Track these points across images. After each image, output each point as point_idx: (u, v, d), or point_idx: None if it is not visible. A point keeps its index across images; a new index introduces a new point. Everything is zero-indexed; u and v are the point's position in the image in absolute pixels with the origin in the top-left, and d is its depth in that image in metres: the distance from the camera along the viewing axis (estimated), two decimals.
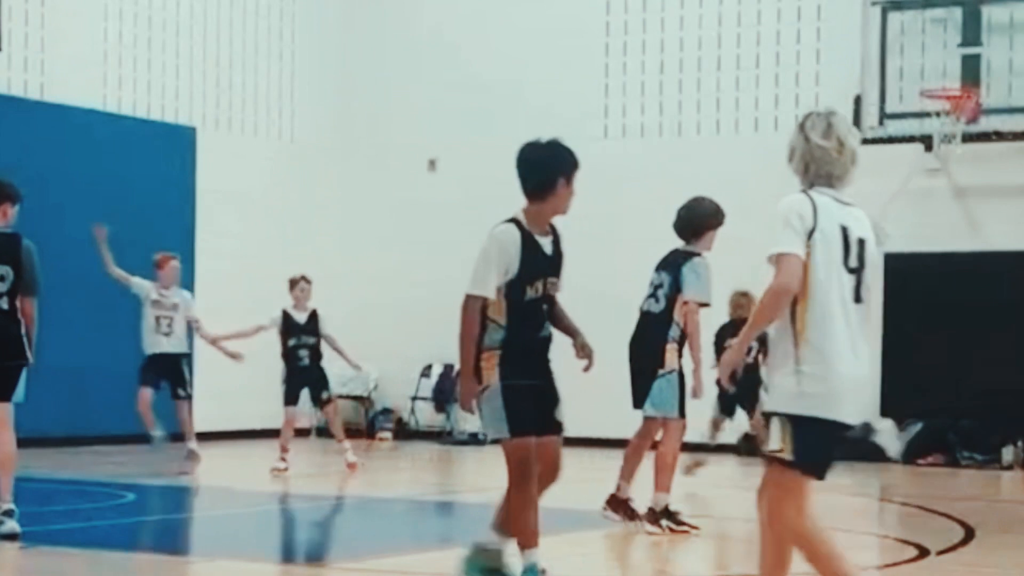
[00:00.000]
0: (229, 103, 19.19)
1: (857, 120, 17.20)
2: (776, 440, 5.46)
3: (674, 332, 9.91)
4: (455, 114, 19.76)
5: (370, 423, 20.01)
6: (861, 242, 5.46)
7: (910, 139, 17.05)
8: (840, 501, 12.76)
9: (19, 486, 11.93)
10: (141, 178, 17.51)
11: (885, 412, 17.00)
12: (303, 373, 14.30)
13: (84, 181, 16.88)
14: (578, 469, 10.68)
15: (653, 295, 10.14)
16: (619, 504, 9.88)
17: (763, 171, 18.13)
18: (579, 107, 19.15)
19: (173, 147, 18.20)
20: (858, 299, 5.43)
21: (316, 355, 14.43)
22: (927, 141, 16.86)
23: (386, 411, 20.11)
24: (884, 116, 17.16)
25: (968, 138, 16.57)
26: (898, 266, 17.23)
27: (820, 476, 5.56)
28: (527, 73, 19.37)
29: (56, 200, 16.54)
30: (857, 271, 5.42)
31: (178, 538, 7.47)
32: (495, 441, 7.03)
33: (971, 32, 16.96)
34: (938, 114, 16.75)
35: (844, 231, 5.43)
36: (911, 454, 16.62)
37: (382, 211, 20.23)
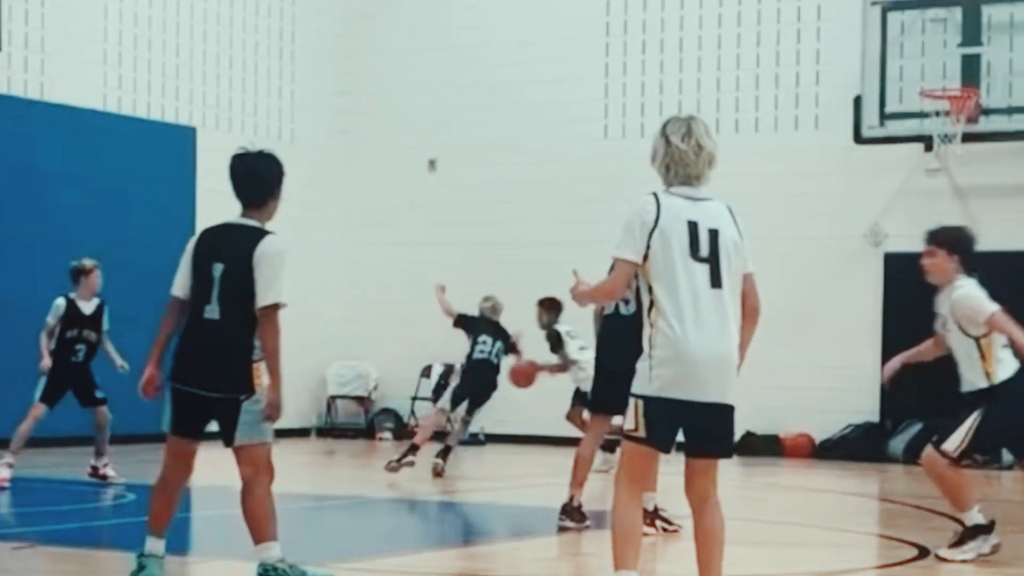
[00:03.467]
0: (229, 103, 19.19)
1: (857, 120, 17.23)
2: (630, 420, 5.90)
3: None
4: (455, 114, 19.76)
5: (370, 423, 20.01)
6: (713, 233, 5.95)
7: (910, 139, 17.06)
8: (840, 501, 12.77)
9: (20, 486, 11.95)
10: (141, 178, 17.51)
11: (885, 412, 17.01)
12: (75, 370, 12.45)
13: (84, 181, 16.88)
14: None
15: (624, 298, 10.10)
16: (646, 512, 9.89)
17: (763, 171, 18.18)
18: (579, 107, 19.16)
19: (173, 147, 18.20)
20: (715, 285, 5.88)
21: (92, 353, 12.59)
22: (927, 141, 16.87)
23: (386, 411, 20.10)
24: (884, 116, 17.16)
25: (968, 138, 16.58)
26: (898, 266, 17.24)
27: (666, 450, 6.00)
28: (527, 73, 19.37)
29: (56, 200, 16.55)
30: (709, 260, 5.90)
31: (178, 538, 7.46)
32: None
33: (971, 32, 16.96)
34: (938, 114, 16.75)
35: (692, 225, 5.92)
36: (911, 454, 16.61)
37: (382, 211, 20.23)
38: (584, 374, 15.00)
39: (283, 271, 7.09)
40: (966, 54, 16.94)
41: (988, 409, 8.68)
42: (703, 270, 5.87)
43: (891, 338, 17.15)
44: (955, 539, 8.68)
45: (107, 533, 8.68)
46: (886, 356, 17.30)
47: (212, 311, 6.95)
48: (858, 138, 17.22)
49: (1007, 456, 16.43)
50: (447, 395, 14.77)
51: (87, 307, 12.41)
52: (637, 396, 5.87)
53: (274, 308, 7.04)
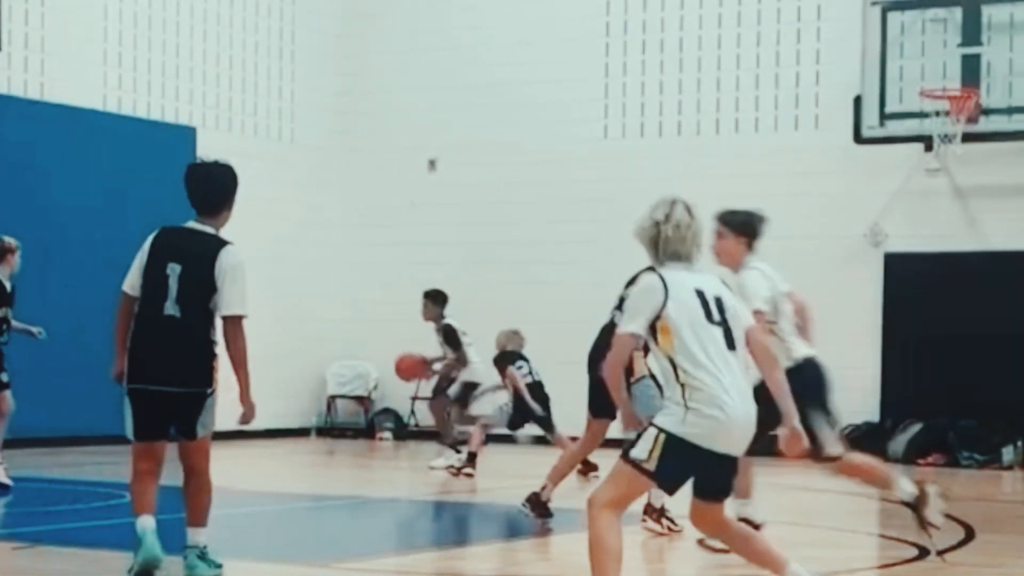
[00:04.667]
0: (229, 103, 19.19)
1: (857, 120, 17.22)
2: (644, 450, 6.04)
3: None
4: (455, 114, 19.76)
5: (370, 423, 20.01)
6: (718, 299, 6.21)
7: (910, 139, 17.05)
8: (840, 501, 12.76)
9: (19, 486, 11.95)
10: (141, 178, 17.50)
11: (885, 412, 17.01)
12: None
13: (84, 181, 16.88)
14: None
15: (619, 307, 10.11)
16: (653, 510, 9.90)
17: (763, 171, 18.17)
18: (579, 107, 19.16)
19: (173, 147, 18.18)
20: (730, 346, 6.18)
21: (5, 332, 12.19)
22: (927, 141, 16.86)
23: (386, 411, 20.10)
24: (884, 116, 17.15)
25: (968, 138, 16.57)
26: (898, 266, 17.25)
27: (671, 492, 6.31)
28: (527, 73, 19.36)
29: (56, 200, 16.56)
30: (722, 323, 6.17)
31: (178, 538, 7.47)
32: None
33: (971, 32, 16.95)
34: (938, 114, 16.75)
35: (700, 293, 6.18)
36: (911, 454, 16.62)
37: (382, 211, 20.23)
38: (473, 371, 15.10)
39: (247, 282, 7.36)
40: (966, 54, 16.93)
41: (800, 390, 8.35)
42: (720, 333, 6.15)
43: (891, 338, 17.17)
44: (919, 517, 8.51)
45: (107, 533, 8.68)
46: (886, 356, 17.37)
47: (171, 309, 7.22)
48: (858, 138, 17.22)
49: (1007, 455, 16.45)
50: (493, 408, 14.49)
51: (7, 286, 12.25)
52: (661, 430, 6.03)
53: (240, 318, 7.30)
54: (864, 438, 17.04)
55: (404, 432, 19.73)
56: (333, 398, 20.19)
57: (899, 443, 16.76)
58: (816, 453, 8.21)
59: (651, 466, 6.01)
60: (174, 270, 7.27)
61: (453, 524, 11.57)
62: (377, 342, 19.60)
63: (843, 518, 11.41)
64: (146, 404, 7.24)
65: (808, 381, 8.27)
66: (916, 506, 8.55)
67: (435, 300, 15.23)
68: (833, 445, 8.37)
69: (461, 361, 14.97)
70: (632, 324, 6.16)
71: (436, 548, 9.56)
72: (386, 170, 20.26)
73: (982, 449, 16.45)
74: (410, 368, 15.44)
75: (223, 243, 7.42)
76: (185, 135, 18.39)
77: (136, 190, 17.38)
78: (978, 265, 16.94)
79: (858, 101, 17.13)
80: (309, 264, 19.94)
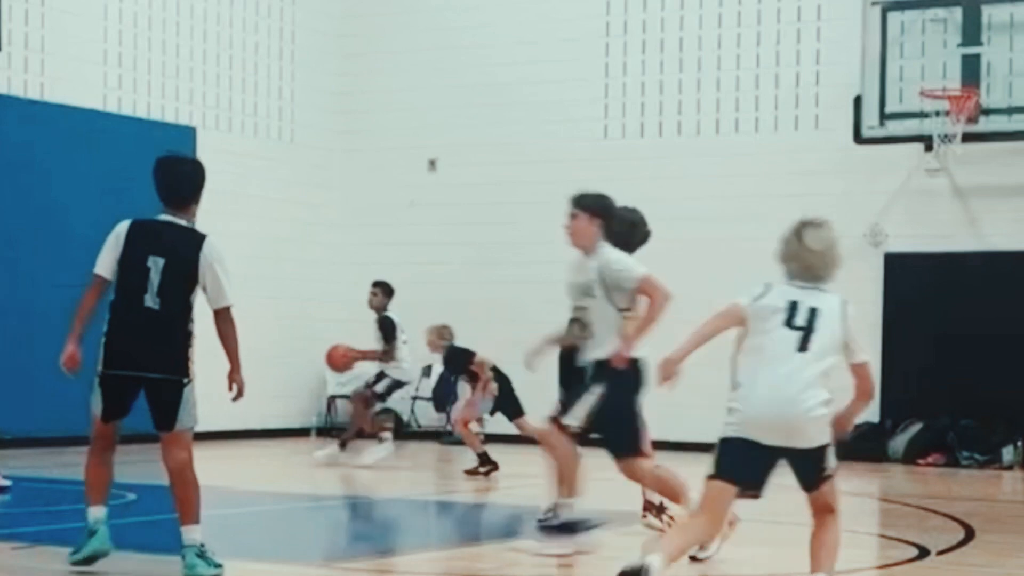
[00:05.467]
0: (229, 103, 19.20)
1: (857, 120, 17.23)
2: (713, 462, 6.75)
3: None
4: (455, 114, 19.77)
5: (370, 423, 19.99)
6: (813, 310, 6.72)
7: (910, 139, 17.06)
8: (843, 501, 12.76)
9: (20, 486, 11.95)
10: (141, 178, 17.42)
11: (885, 412, 17.01)
12: None
13: (84, 181, 16.87)
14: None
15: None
16: (653, 506, 9.90)
17: (763, 171, 18.18)
18: (579, 107, 19.17)
19: (173, 147, 18.09)
20: (803, 348, 6.66)
21: None
22: (927, 141, 16.86)
23: (386, 411, 20.08)
24: (884, 116, 17.16)
25: (968, 138, 16.57)
26: (898, 266, 17.25)
27: (736, 484, 6.88)
28: (527, 73, 19.37)
29: (56, 200, 16.55)
30: (804, 329, 6.67)
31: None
32: None
33: (971, 32, 16.96)
34: (938, 114, 16.75)
35: (792, 304, 6.75)
36: (911, 454, 16.63)
37: (382, 211, 20.23)
38: (401, 370, 15.20)
39: (229, 273, 7.53)
40: (966, 54, 16.94)
41: (616, 383, 8.24)
42: (795, 337, 6.67)
43: (891, 338, 17.16)
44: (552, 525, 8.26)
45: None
46: (886, 356, 17.35)
47: (152, 301, 7.38)
48: (858, 138, 17.22)
49: (1007, 455, 16.45)
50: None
51: None
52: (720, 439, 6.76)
53: (230, 308, 7.52)
54: (864, 438, 17.06)
55: (404, 432, 19.73)
56: (333, 398, 20.18)
57: (899, 443, 16.77)
58: (560, 419, 8.14)
59: (711, 469, 6.79)
60: (156, 263, 7.42)
61: (452, 524, 11.57)
62: (376, 342, 19.58)
63: (844, 518, 11.39)
64: (120, 389, 7.44)
65: (625, 377, 8.27)
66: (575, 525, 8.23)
67: (385, 291, 15.49)
68: (577, 419, 8.14)
69: (388, 355, 15.07)
70: (738, 298, 6.89)
71: (436, 548, 9.56)
72: (386, 170, 20.27)
73: (982, 449, 16.45)
74: (338, 359, 15.46)
75: (203, 236, 7.59)
76: (185, 135, 18.39)
77: (136, 190, 17.31)
78: (978, 265, 16.94)
79: (858, 101, 17.14)
80: (309, 264, 19.94)
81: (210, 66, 18.94)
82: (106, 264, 7.55)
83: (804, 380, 6.58)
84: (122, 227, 7.67)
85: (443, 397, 19.62)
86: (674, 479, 8.54)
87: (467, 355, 14.47)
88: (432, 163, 20.03)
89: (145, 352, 7.37)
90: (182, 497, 7.50)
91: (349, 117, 20.42)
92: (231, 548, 8.25)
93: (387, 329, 15.19)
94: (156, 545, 8.45)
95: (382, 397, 15.39)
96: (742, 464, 6.71)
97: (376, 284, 15.62)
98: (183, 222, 7.64)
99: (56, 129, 16.72)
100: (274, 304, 18.72)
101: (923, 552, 9.00)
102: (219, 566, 7.48)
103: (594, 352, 8.25)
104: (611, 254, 8.46)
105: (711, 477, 6.80)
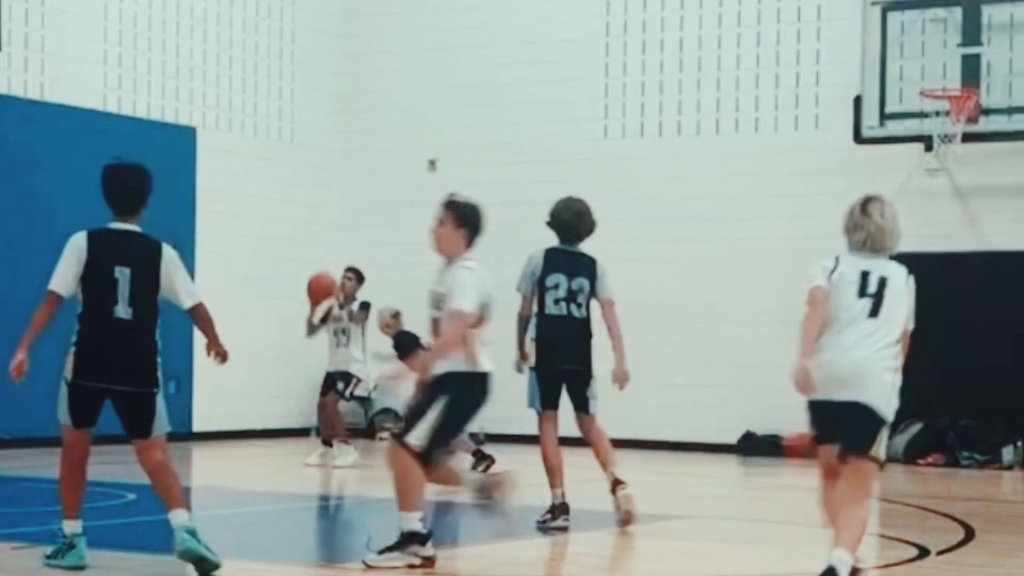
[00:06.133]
0: (229, 103, 19.19)
1: (857, 120, 17.22)
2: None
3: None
4: (455, 114, 19.77)
5: (370, 423, 20.01)
6: (882, 279, 7.32)
7: (910, 139, 17.05)
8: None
9: (21, 486, 11.96)
10: None
11: None
12: None
13: (84, 181, 16.83)
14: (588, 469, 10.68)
15: (573, 300, 10.08)
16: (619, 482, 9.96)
17: (763, 171, 18.18)
18: (579, 107, 19.17)
19: (173, 147, 18.19)
20: (873, 314, 7.25)
21: None
22: (927, 141, 16.86)
23: (386, 411, 20.09)
24: (884, 116, 17.15)
25: (968, 138, 16.57)
26: None
27: (824, 442, 7.42)
28: (527, 73, 19.37)
29: (56, 200, 16.54)
30: (875, 296, 7.27)
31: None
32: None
33: (971, 32, 16.95)
34: (938, 114, 16.74)
35: (864, 273, 7.34)
36: (911, 454, 16.62)
37: (382, 211, 20.23)
38: (358, 366, 15.26)
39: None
40: (966, 54, 16.93)
41: (459, 396, 8.01)
42: (867, 304, 7.27)
43: None
44: (390, 543, 8.02)
45: (107, 533, 8.66)
46: None
47: (123, 311, 7.53)
48: (858, 138, 17.22)
49: (1007, 455, 16.45)
50: None
51: None
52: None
53: (202, 303, 7.78)
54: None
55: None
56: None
57: (899, 443, 16.75)
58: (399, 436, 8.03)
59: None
60: (123, 273, 7.55)
61: (453, 524, 11.56)
62: (377, 342, 19.59)
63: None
64: (89, 399, 7.55)
65: (469, 392, 8.05)
66: (409, 539, 8.00)
67: (359, 278, 15.75)
68: (420, 438, 7.94)
69: (356, 318, 15.24)
70: (815, 279, 7.43)
71: (436, 548, 9.54)
72: (386, 170, 20.27)
73: (982, 449, 16.45)
74: (322, 287, 15.24)
75: (159, 242, 7.78)
76: (185, 135, 18.40)
77: None
78: (978, 265, 16.93)
79: (858, 101, 17.13)
80: (309, 264, 19.88)
81: (210, 66, 18.93)
82: (64, 280, 7.62)
83: (874, 342, 7.16)
84: (80, 239, 7.71)
85: None
86: (451, 474, 8.38)
87: (415, 339, 14.54)
88: (432, 163, 20.03)
89: (119, 364, 7.51)
90: (164, 486, 7.64)
91: (349, 117, 20.42)
92: (231, 548, 8.25)
93: (366, 310, 15.43)
94: (156, 545, 8.45)
95: (344, 396, 15.51)
96: (829, 422, 7.31)
97: (350, 269, 15.86)
98: (138, 229, 7.77)
99: (56, 129, 16.72)
100: (274, 304, 18.70)
101: (923, 552, 9.01)
102: (216, 556, 7.50)
103: (439, 365, 8.08)
104: (459, 273, 8.26)
105: (815, 442, 7.47)
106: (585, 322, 10.17)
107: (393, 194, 20.13)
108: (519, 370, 10.25)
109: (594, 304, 10.26)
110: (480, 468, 14.12)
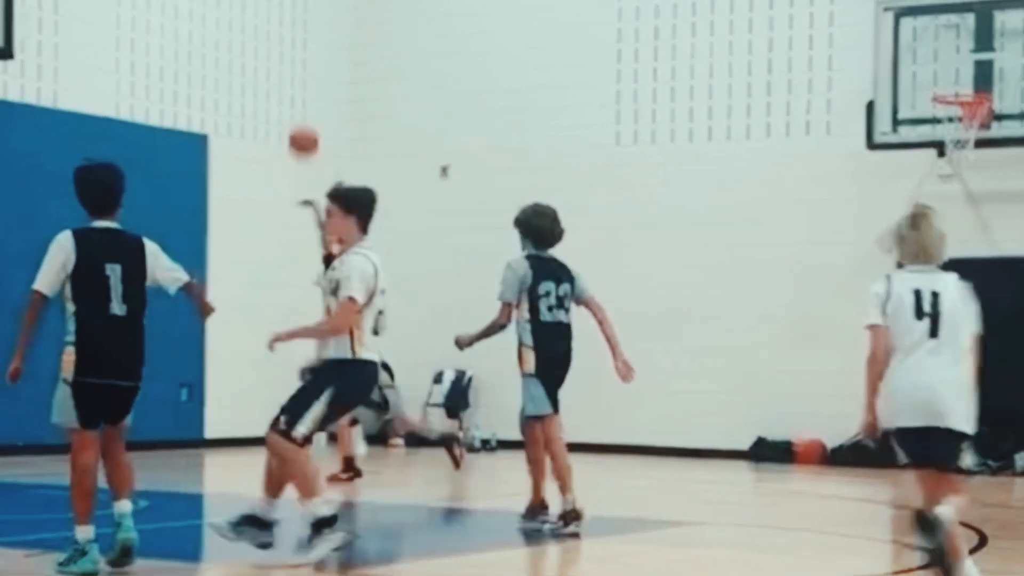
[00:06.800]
0: (241, 111, 19.22)
1: (870, 126, 17.20)
2: (901, 454, 7.50)
3: None
4: (467, 121, 19.76)
5: (382, 429, 20.00)
6: (935, 295, 7.42)
7: (923, 145, 17.02)
8: (853, 507, 12.74)
9: (34, 493, 11.97)
10: (153, 186, 17.51)
11: None
12: None
13: None
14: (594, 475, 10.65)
15: (561, 306, 10.27)
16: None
17: (774, 177, 18.16)
18: (591, 114, 19.16)
19: (185, 155, 18.22)
20: (934, 335, 7.34)
21: None
22: (940, 147, 16.83)
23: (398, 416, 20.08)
24: (896, 122, 17.13)
25: (981, 144, 16.54)
26: None
27: (919, 465, 7.46)
28: (539, 79, 19.37)
29: (69, 207, 16.56)
30: (931, 315, 7.37)
31: (192, 545, 7.52)
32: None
33: (984, 38, 16.93)
34: (951, 120, 16.72)
35: (916, 292, 7.41)
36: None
37: (394, 218, 20.20)
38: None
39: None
40: (979, 59, 16.91)
41: (344, 385, 8.07)
42: (925, 326, 7.34)
43: None
44: (309, 537, 8.04)
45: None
46: None
47: (118, 308, 7.70)
48: (870, 144, 17.20)
49: (1020, 462, 16.41)
50: None
51: None
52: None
53: (190, 280, 8.01)
54: (876, 444, 17.02)
55: (416, 438, 19.72)
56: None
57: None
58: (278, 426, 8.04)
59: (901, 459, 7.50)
60: (115, 271, 7.73)
61: (465, 531, 11.56)
62: (390, 348, 19.60)
63: (856, 524, 11.39)
64: (93, 396, 7.66)
65: (354, 381, 8.14)
66: (319, 526, 8.02)
67: None
68: (306, 428, 7.97)
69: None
70: (873, 318, 7.45)
71: (447, 555, 9.55)
72: (397, 177, 20.25)
73: (994, 455, 16.41)
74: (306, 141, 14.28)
75: (139, 236, 8.02)
76: (197, 143, 18.43)
77: (148, 197, 17.38)
78: (990, 271, 16.89)
79: (870, 107, 17.12)
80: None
81: (222, 74, 18.96)
82: (48, 280, 7.73)
83: (942, 364, 7.24)
84: (66, 239, 7.85)
85: (456, 404, 19.65)
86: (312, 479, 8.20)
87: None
88: (444, 170, 20.03)
89: (120, 360, 7.70)
90: (123, 472, 7.86)
91: (361, 124, 20.43)
92: (234, 551, 8.27)
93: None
94: (171, 552, 8.47)
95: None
96: (918, 448, 7.34)
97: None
98: (118, 226, 7.96)
99: (68, 137, 16.74)
100: (286, 309, 18.70)
101: None
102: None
103: (324, 351, 8.15)
104: (352, 259, 8.24)
105: (908, 467, 7.53)
106: (571, 327, 10.37)
107: (405, 200, 20.13)
108: (459, 347, 10.80)
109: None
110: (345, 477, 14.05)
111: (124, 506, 7.82)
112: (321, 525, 7.96)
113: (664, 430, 18.21)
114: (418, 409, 19.85)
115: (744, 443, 17.85)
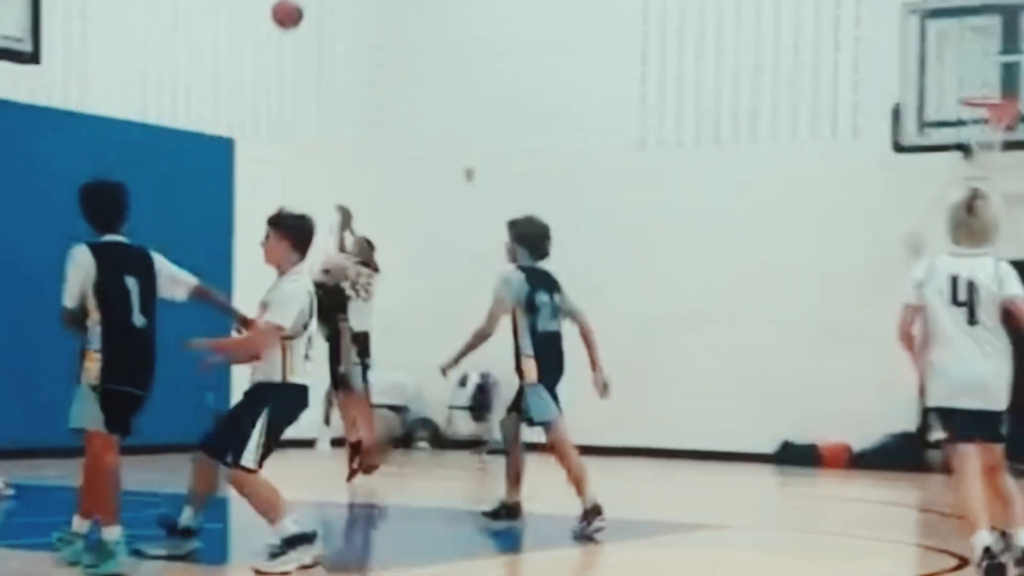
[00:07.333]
0: (267, 114, 19.27)
1: (896, 128, 17.16)
2: (937, 430, 7.95)
3: None
4: (492, 124, 19.77)
5: (407, 432, 20.04)
6: (970, 283, 7.76)
7: (949, 147, 16.97)
8: (879, 510, 12.71)
9: (50, 495, 11.99)
10: (180, 189, 17.59)
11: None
12: None
13: None
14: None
15: (555, 316, 10.47)
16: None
17: (801, 180, 18.12)
18: (616, 116, 19.15)
19: (211, 158, 18.27)
20: (972, 322, 7.75)
21: None
22: (966, 149, 16.78)
23: (423, 420, 20.12)
24: (923, 125, 17.09)
25: (1008, 146, 16.48)
26: None
27: (964, 441, 7.87)
28: (563, 82, 19.36)
29: None
30: (967, 303, 7.74)
31: (210, 546, 7.54)
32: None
33: (1010, 40, 16.87)
34: (976, 122, 16.66)
35: (953, 279, 7.78)
36: (949, 464, 16.50)
37: (418, 221, 20.24)
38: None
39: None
40: (1005, 62, 16.85)
41: (277, 406, 8.04)
42: (962, 312, 7.74)
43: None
44: (274, 550, 7.90)
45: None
46: None
47: (138, 319, 7.92)
48: (897, 147, 17.16)
49: None
50: None
51: None
52: (931, 409, 7.95)
53: (196, 284, 8.30)
54: (900, 448, 16.96)
55: (441, 441, 19.75)
56: (370, 407, 20.17)
57: (937, 452, 16.64)
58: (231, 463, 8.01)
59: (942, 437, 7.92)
60: (133, 283, 7.92)
61: (488, 534, 11.55)
62: (414, 352, 19.62)
63: (882, 527, 11.36)
64: (119, 403, 7.84)
65: (285, 404, 8.11)
66: (291, 543, 7.92)
67: (371, 245, 15.45)
68: (252, 456, 7.96)
69: (374, 266, 15.16)
70: (906, 297, 7.93)
71: (471, 558, 9.55)
72: (420, 180, 20.29)
73: (1023, 457, 16.32)
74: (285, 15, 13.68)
75: (146, 248, 8.18)
76: (223, 146, 18.47)
77: (175, 201, 17.45)
78: (1018, 273, 16.81)
79: (897, 110, 17.08)
80: None
81: (247, 78, 19.01)
82: (75, 296, 7.92)
83: (984, 352, 7.72)
84: (83, 253, 8.00)
85: (480, 407, 19.66)
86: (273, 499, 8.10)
87: None
88: (468, 173, 20.03)
89: (142, 371, 7.92)
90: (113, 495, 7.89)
91: (382, 127, 20.44)
92: (237, 554, 8.28)
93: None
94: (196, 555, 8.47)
95: (366, 364, 15.45)
96: (964, 426, 7.80)
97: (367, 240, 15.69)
98: (127, 240, 8.10)
99: (95, 140, 16.80)
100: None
101: (963, 562, 8.94)
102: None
103: (255, 374, 8.14)
104: (283, 285, 8.25)
105: (947, 442, 7.94)
106: (562, 336, 10.54)
107: (427, 203, 20.16)
108: (444, 374, 11.08)
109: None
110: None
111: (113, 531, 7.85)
112: (295, 542, 7.90)
113: (689, 433, 18.17)
114: (443, 412, 19.87)
115: (769, 446, 17.81)
